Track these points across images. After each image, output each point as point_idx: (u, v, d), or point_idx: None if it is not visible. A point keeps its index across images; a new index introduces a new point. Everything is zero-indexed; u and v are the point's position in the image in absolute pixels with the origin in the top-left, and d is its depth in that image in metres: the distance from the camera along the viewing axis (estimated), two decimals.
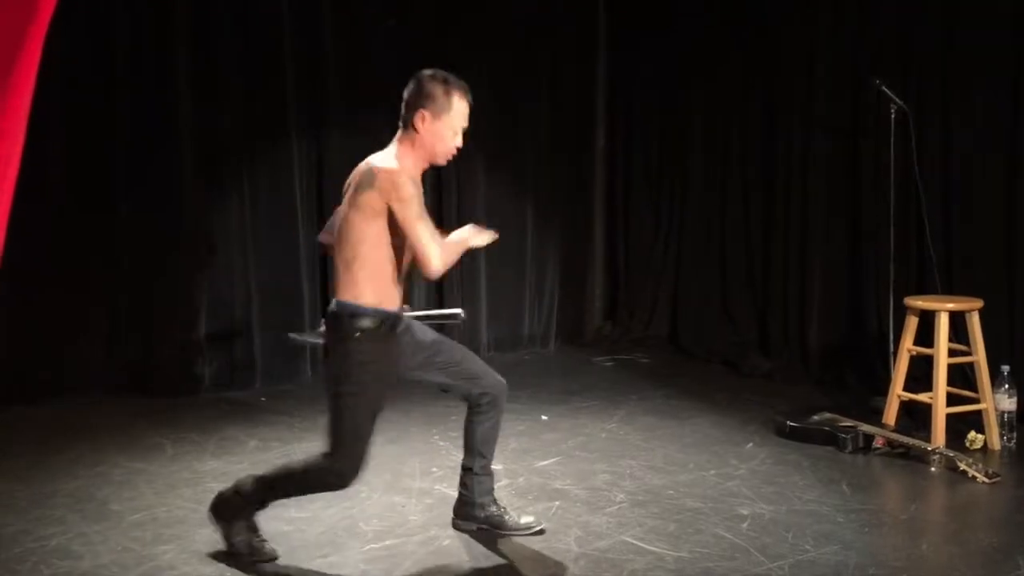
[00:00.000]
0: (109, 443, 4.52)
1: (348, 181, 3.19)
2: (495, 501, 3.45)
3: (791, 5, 6.00)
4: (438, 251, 2.99)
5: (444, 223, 5.03)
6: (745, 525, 3.53)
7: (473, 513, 3.44)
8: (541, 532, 3.43)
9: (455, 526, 3.49)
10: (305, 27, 5.80)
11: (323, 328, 3.26)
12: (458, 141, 3.16)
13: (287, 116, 5.76)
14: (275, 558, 3.21)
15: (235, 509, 3.20)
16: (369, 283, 3.04)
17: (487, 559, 3.28)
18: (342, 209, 3.15)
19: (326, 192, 5.90)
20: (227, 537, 3.21)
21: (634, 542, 3.38)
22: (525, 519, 3.48)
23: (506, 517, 3.43)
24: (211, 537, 3.42)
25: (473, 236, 3.16)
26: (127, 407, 5.16)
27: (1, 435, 4.56)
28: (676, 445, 4.53)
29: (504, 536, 3.41)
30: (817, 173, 5.87)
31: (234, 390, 5.55)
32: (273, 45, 5.69)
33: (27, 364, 5.18)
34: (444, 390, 3.43)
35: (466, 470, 3.43)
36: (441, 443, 4.56)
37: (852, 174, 5.70)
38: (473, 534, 3.45)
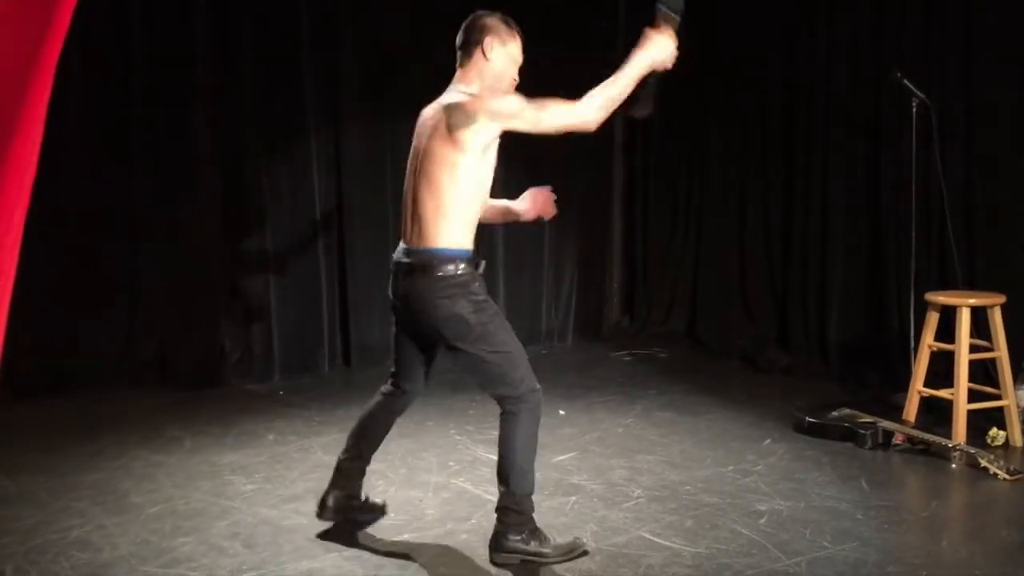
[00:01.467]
0: (129, 436, 4.55)
1: (421, 122, 3.13)
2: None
3: None
4: (594, 100, 3.05)
5: None
6: (763, 521, 3.51)
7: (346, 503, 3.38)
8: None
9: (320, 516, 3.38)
10: (323, 21, 5.80)
11: None
12: (516, 73, 3.16)
13: (305, 110, 5.77)
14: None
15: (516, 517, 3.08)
16: (459, 228, 2.99)
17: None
18: (422, 145, 3.05)
19: (344, 185, 5.92)
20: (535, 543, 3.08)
21: (651, 537, 3.37)
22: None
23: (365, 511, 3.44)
24: (229, 529, 3.44)
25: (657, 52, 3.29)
26: (147, 400, 5.20)
27: (23, 427, 4.59)
28: (693, 440, 4.52)
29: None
30: (838, 167, 5.83)
31: (252, 383, 5.59)
32: (291, 39, 5.70)
33: (48, 357, 5.22)
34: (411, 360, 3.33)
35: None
36: (458, 437, 4.56)
37: (873, 167, 5.65)
38: (489, 529, 3.45)
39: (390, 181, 5.88)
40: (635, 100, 3.19)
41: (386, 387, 3.35)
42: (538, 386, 3.10)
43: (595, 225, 7.11)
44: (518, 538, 3.06)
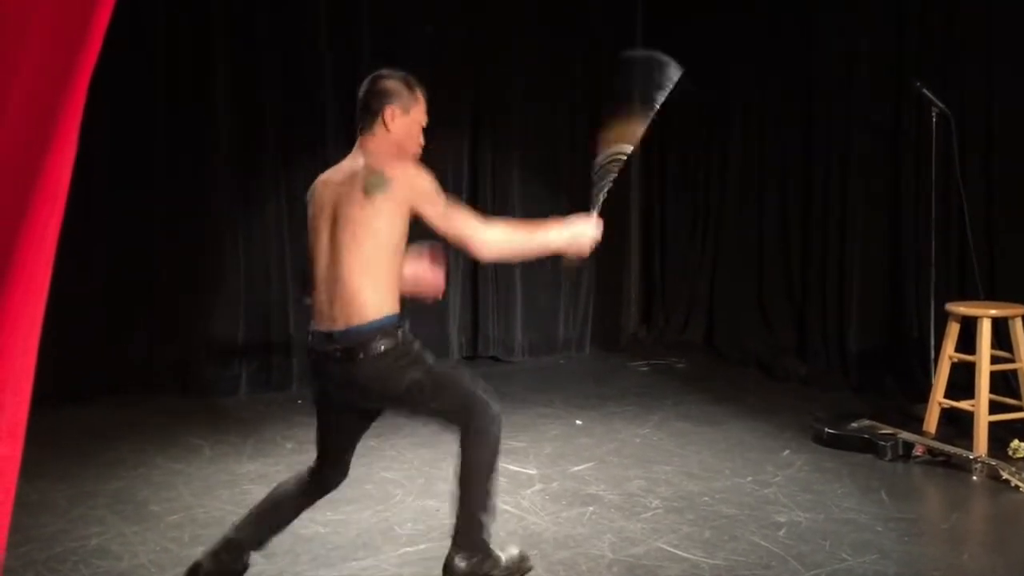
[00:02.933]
0: (149, 444, 4.58)
1: (316, 193, 2.95)
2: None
3: (832, 3, 5.93)
4: (495, 235, 2.84)
5: None
6: (782, 533, 3.49)
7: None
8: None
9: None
10: (341, 33, 5.84)
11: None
12: (421, 139, 3.00)
13: (324, 121, 5.80)
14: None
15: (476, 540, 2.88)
16: (386, 295, 2.80)
17: None
18: (330, 214, 2.85)
19: None
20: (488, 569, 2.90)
21: (669, 549, 3.35)
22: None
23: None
24: None
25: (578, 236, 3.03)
26: (167, 408, 5.23)
27: (43, 436, 4.62)
28: (711, 451, 4.50)
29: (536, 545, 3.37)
30: (857, 176, 5.80)
31: (271, 392, 5.61)
32: (310, 47, 5.74)
33: (69, 366, 5.25)
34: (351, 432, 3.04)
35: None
36: None
37: (893, 177, 5.62)
38: (506, 539, 3.44)
39: None
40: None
41: (309, 475, 3.01)
42: (494, 409, 2.87)
43: (613, 234, 7.04)
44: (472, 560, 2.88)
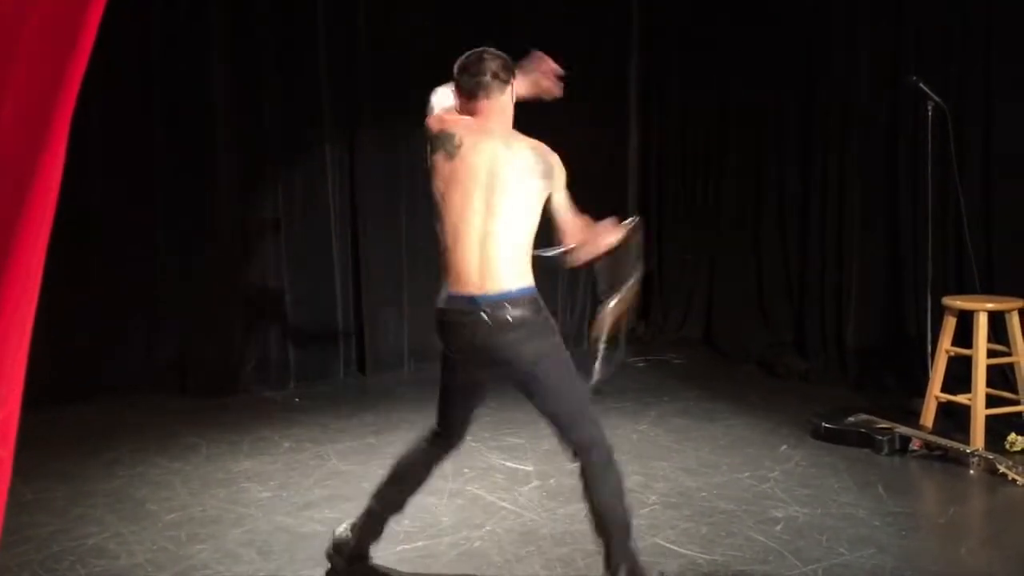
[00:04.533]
0: (146, 443, 4.58)
1: (467, 150, 2.91)
2: None
3: (829, 2, 5.93)
4: (583, 244, 3.05)
5: None
6: (779, 528, 3.50)
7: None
8: None
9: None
10: (339, 29, 5.83)
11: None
12: None
13: (321, 120, 5.79)
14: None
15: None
16: (528, 266, 2.93)
17: (518, 561, 3.28)
18: (485, 183, 2.87)
19: (359, 194, 5.94)
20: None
21: (666, 544, 3.36)
22: None
23: None
24: (245, 537, 3.45)
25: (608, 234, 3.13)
26: (164, 407, 5.23)
27: (41, 435, 4.62)
28: (709, 447, 4.50)
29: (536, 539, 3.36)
30: (854, 171, 5.79)
31: (268, 391, 5.60)
32: (308, 46, 5.73)
33: (67, 365, 5.25)
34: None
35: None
36: (473, 444, 4.54)
37: (890, 172, 5.62)
38: (503, 536, 3.44)
39: (405, 190, 5.90)
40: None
41: (430, 439, 3.13)
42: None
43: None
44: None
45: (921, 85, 4.91)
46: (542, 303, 2.91)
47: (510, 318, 2.80)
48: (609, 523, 2.87)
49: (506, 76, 2.99)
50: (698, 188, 6.88)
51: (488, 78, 2.95)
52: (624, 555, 2.87)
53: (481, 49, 3.02)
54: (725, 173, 6.68)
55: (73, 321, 5.24)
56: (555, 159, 2.99)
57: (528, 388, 2.91)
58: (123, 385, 5.45)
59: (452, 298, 2.85)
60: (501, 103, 2.99)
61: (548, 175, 2.95)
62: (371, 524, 3.14)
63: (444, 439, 3.10)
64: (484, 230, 2.84)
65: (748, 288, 6.53)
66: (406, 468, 3.13)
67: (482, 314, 2.79)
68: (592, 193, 7.46)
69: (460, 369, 2.97)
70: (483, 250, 2.84)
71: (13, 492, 1.25)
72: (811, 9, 6.04)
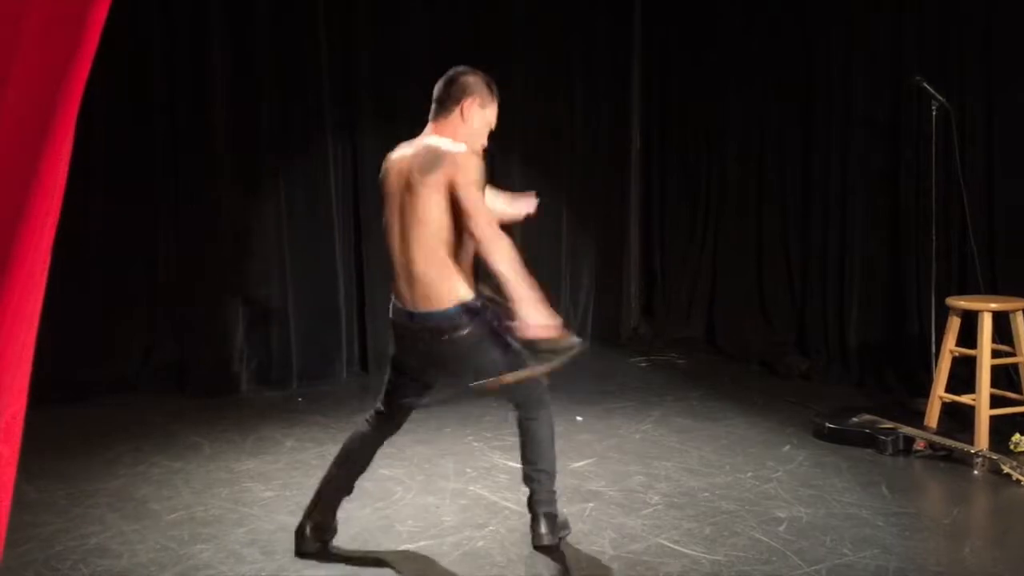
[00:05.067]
0: (148, 442, 4.57)
1: (387, 177, 3.12)
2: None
3: (830, 2, 5.92)
4: (506, 246, 2.95)
5: None
6: (782, 528, 3.49)
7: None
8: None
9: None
10: (339, 26, 5.83)
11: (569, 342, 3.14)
12: (486, 140, 3.19)
13: (323, 120, 5.79)
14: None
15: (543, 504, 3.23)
16: (457, 276, 3.02)
17: (520, 561, 3.27)
18: (399, 200, 3.05)
19: (362, 193, 5.93)
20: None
21: (669, 545, 3.35)
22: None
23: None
24: (247, 536, 3.45)
25: (510, 207, 3.20)
26: (166, 407, 5.22)
27: (43, 435, 4.62)
28: (712, 447, 4.49)
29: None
30: (857, 171, 5.79)
31: (271, 390, 5.60)
32: (308, 45, 5.73)
33: (68, 365, 5.25)
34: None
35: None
36: (475, 444, 4.56)
37: (893, 172, 5.61)
38: (506, 536, 3.44)
39: None
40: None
41: (372, 418, 3.35)
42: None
43: (613, 230, 7.10)
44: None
45: (924, 85, 4.91)
46: (476, 315, 3.02)
47: (446, 336, 3.03)
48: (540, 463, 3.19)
49: (459, 94, 3.07)
50: (700, 188, 6.87)
51: (434, 101, 3.13)
52: (550, 503, 3.22)
53: (453, 70, 3.15)
54: (727, 173, 6.67)
55: (74, 320, 5.24)
56: (451, 151, 2.96)
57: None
58: (124, 384, 5.45)
59: (394, 308, 3.18)
60: (449, 123, 3.09)
61: (439, 169, 2.94)
62: (323, 510, 3.28)
63: (382, 417, 3.35)
64: (402, 254, 3.07)
65: (750, 288, 6.52)
66: (351, 448, 3.36)
67: (420, 329, 3.06)
68: (595, 194, 7.53)
69: (403, 370, 3.28)
70: (406, 273, 3.07)
71: (15, 491, 1.25)
72: (812, 8, 6.03)
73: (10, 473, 1.16)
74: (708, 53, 6.70)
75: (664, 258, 7.12)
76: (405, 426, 4.80)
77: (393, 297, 3.16)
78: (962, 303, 4.55)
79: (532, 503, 3.24)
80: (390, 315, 3.20)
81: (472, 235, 2.97)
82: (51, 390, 5.10)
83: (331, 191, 5.84)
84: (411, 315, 3.07)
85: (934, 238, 4.99)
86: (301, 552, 3.26)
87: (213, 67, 5.50)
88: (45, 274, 1.15)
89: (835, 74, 5.89)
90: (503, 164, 6.47)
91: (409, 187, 3.00)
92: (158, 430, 4.78)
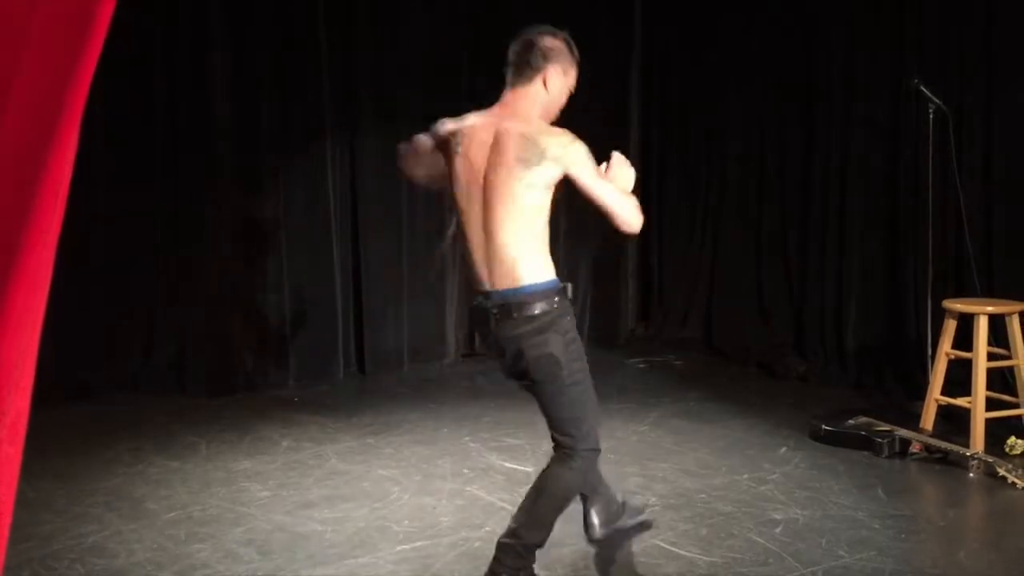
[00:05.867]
0: (145, 442, 4.57)
1: (466, 149, 2.82)
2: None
3: (830, 3, 5.93)
4: (634, 203, 2.82)
5: None
6: (778, 530, 3.50)
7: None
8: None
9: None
10: (339, 26, 5.83)
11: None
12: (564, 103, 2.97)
13: (322, 119, 5.79)
14: None
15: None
16: (543, 257, 2.82)
17: None
18: (478, 185, 2.79)
19: (360, 194, 5.94)
20: None
21: (666, 546, 3.36)
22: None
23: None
24: (244, 536, 3.45)
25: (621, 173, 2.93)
26: (164, 406, 5.22)
27: (41, 434, 4.60)
28: (709, 448, 4.50)
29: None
30: (855, 173, 5.80)
31: (268, 390, 5.60)
32: (308, 45, 5.73)
33: (68, 364, 5.25)
34: None
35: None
36: (472, 444, 4.56)
37: (890, 174, 5.62)
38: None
39: (405, 191, 5.89)
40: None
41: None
42: (599, 447, 2.91)
43: (610, 231, 7.08)
44: None
45: (922, 88, 4.91)
46: (559, 300, 2.81)
47: (516, 313, 2.75)
48: (533, 514, 2.84)
49: (539, 62, 2.83)
50: (698, 189, 6.88)
51: (511, 65, 2.87)
52: (527, 550, 2.85)
53: (530, 29, 2.92)
54: (726, 173, 6.68)
55: (74, 320, 5.23)
56: (552, 141, 2.76)
57: (532, 387, 2.86)
58: (122, 384, 5.45)
59: (476, 295, 2.87)
60: (528, 92, 2.85)
61: (539, 160, 2.73)
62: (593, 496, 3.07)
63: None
64: (487, 235, 2.78)
65: (748, 289, 6.53)
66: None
67: (493, 307, 2.78)
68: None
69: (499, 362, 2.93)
70: (488, 254, 2.79)
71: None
72: (813, 8, 6.04)
73: (14, 471, 1.16)
74: (708, 53, 6.70)
75: (662, 259, 7.12)
76: (403, 427, 4.85)
77: (475, 285, 2.88)
78: (958, 306, 4.56)
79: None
80: (473, 304, 2.94)
81: (606, 214, 2.86)
82: (51, 389, 5.10)
83: (330, 192, 5.84)
84: (488, 295, 2.80)
85: (931, 241, 5.00)
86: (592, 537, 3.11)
87: (213, 67, 5.50)
88: (50, 274, 1.16)
89: (835, 74, 5.89)
90: None
91: (502, 172, 2.76)
92: (156, 430, 4.78)
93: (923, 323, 5.01)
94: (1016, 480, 3.89)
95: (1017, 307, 4.47)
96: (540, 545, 2.88)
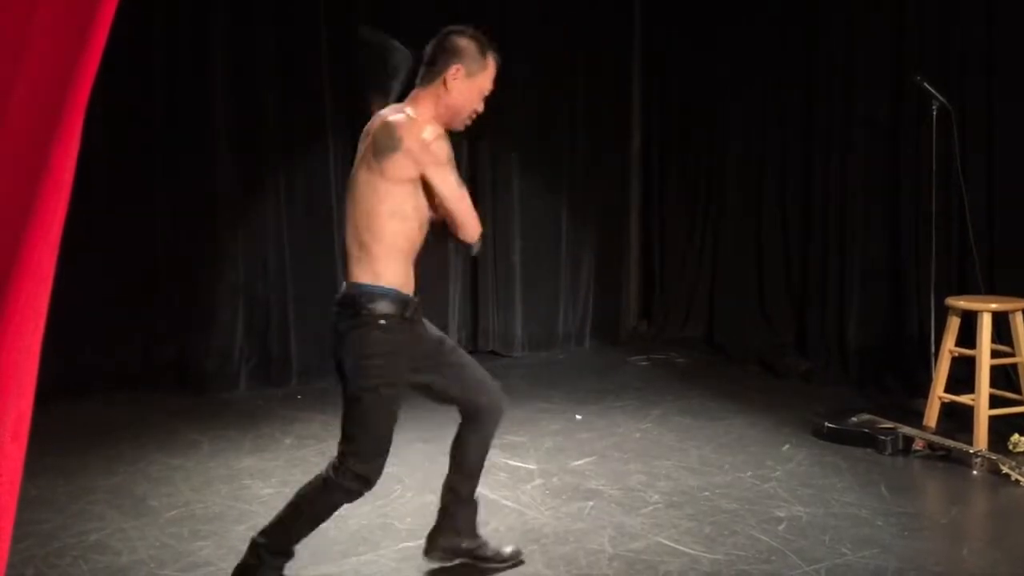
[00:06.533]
0: (148, 440, 4.57)
1: (361, 139, 2.82)
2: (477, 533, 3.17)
3: (830, 2, 5.92)
4: (475, 217, 2.75)
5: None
6: (781, 527, 3.49)
7: (457, 544, 3.15)
8: (520, 562, 3.20)
9: (428, 554, 3.16)
10: (339, 21, 5.82)
11: None
12: (481, 106, 2.86)
13: (323, 116, 5.78)
14: None
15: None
16: (388, 261, 2.71)
17: (520, 559, 3.27)
18: (354, 174, 2.77)
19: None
20: None
21: (669, 543, 3.35)
22: (506, 550, 3.21)
23: (488, 550, 3.17)
24: (247, 533, 3.45)
25: None
26: (165, 404, 5.23)
27: (42, 432, 4.59)
28: (711, 446, 4.50)
29: (490, 567, 3.19)
30: (857, 171, 5.79)
31: (270, 387, 5.60)
32: (309, 41, 5.72)
33: (68, 362, 5.25)
34: (437, 399, 3.05)
35: (453, 492, 3.10)
36: None
37: (892, 171, 5.61)
38: (506, 534, 3.44)
39: None
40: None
41: (464, 426, 3.11)
42: (372, 479, 2.84)
43: (612, 229, 7.10)
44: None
45: (925, 84, 4.90)
46: (383, 310, 2.71)
47: (339, 313, 2.76)
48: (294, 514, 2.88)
49: (442, 62, 2.78)
50: (700, 187, 6.88)
51: (424, 64, 2.85)
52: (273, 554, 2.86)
53: (443, 30, 2.89)
54: (726, 172, 6.67)
55: (74, 317, 5.23)
56: (411, 134, 2.65)
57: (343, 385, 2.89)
58: (124, 381, 5.45)
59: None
60: (431, 91, 2.79)
61: (398, 151, 2.64)
62: (450, 519, 3.13)
63: (462, 413, 3.08)
64: (349, 218, 2.76)
65: (750, 287, 6.52)
66: (460, 450, 3.12)
67: (335, 303, 2.79)
68: (595, 192, 7.52)
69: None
70: (345, 242, 2.80)
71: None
72: (813, 8, 6.03)
73: (17, 469, 1.16)
74: (708, 53, 6.69)
75: (664, 257, 7.12)
76: (405, 425, 4.81)
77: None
78: (962, 303, 4.55)
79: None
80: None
81: (448, 218, 2.75)
82: (52, 387, 5.10)
83: (331, 190, 5.84)
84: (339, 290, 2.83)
85: (934, 238, 4.99)
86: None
87: (213, 67, 5.50)
88: (52, 272, 1.15)
89: (836, 74, 5.88)
90: (503, 164, 6.48)
91: (361, 161, 2.73)
92: (158, 427, 4.78)
93: (926, 320, 5.00)
94: (1020, 477, 3.88)
95: (1021, 304, 4.47)
96: (285, 553, 2.89)
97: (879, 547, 3.31)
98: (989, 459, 4.06)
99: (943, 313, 4.67)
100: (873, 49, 5.67)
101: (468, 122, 2.89)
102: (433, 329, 3.02)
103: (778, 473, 4.09)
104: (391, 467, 4.02)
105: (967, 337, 4.53)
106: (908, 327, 5.49)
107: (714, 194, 6.78)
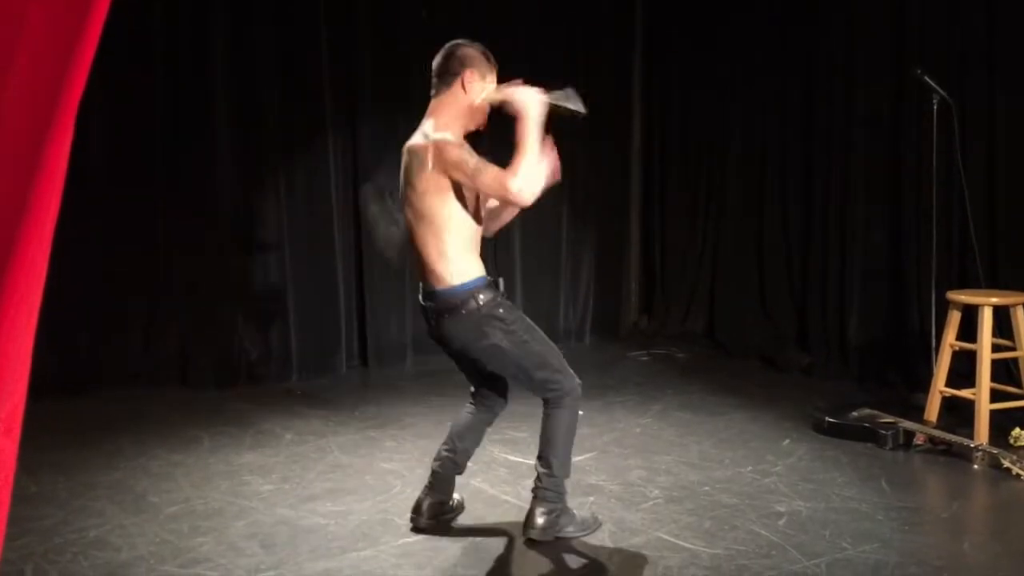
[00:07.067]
0: (148, 435, 4.57)
1: (403, 163, 3.19)
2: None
3: (831, 1, 5.90)
4: (517, 178, 2.98)
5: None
6: (782, 522, 3.49)
7: (445, 502, 3.48)
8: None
9: (421, 523, 3.43)
10: (340, 21, 5.81)
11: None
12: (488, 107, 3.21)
13: (323, 113, 5.78)
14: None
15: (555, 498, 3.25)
16: (466, 256, 3.11)
17: (520, 554, 3.27)
18: (407, 194, 3.15)
19: (361, 190, 5.93)
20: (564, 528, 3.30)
21: (669, 539, 3.35)
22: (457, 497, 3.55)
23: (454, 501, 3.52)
24: (247, 529, 3.45)
25: (522, 97, 3.11)
26: (165, 400, 5.23)
27: (42, 428, 4.62)
28: (712, 441, 4.49)
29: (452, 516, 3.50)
30: (857, 165, 5.78)
31: (271, 383, 5.60)
32: (309, 41, 5.72)
33: (68, 357, 5.25)
34: (472, 368, 3.38)
35: (456, 466, 3.51)
36: None
37: (893, 166, 5.60)
38: (507, 530, 3.44)
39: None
40: (567, 111, 3.29)
41: (469, 404, 3.49)
42: (577, 380, 3.27)
43: (613, 224, 7.09)
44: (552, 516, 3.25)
45: (926, 78, 4.89)
46: (487, 300, 3.10)
47: (447, 314, 3.12)
48: (551, 455, 3.23)
49: (457, 67, 3.10)
50: (701, 183, 6.87)
51: (434, 76, 3.16)
52: (554, 489, 3.25)
53: (449, 43, 3.19)
54: (727, 168, 6.67)
55: (74, 313, 5.23)
56: (429, 147, 3.03)
57: (490, 367, 3.28)
58: (124, 377, 5.45)
59: (421, 290, 3.24)
60: (450, 97, 3.13)
61: (426, 168, 3.02)
62: (438, 484, 3.45)
63: (479, 402, 3.47)
64: (414, 238, 3.14)
65: (751, 283, 6.52)
66: (460, 432, 3.47)
67: (429, 308, 3.16)
68: (597, 189, 7.51)
69: (445, 351, 3.33)
70: (417, 256, 3.16)
71: (15, 484, 1.24)
72: (813, 7, 6.02)
73: (10, 467, 1.16)
74: (709, 52, 6.68)
75: (664, 253, 7.12)
76: (405, 420, 4.84)
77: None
78: (962, 297, 4.55)
79: (532, 492, 3.32)
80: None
81: (499, 199, 3.09)
82: (51, 382, 5.10)
83: (331, 187, 5.84)
84: (427, 295, 3.18)
85: (934, 232, 4.98)
86: (416, 528, 3.41)
87: (213, 66, 5.49)
88: (46, 267, 1.15)
89: (836, 69, 5.87)
90: (503, 159, 6.46)
91: (411, 178, 3.11)
92: (158, 423, 4.78)
93: (927, 315, 5.00)
94: (1020, 472, 3.88)
95: (1021, 298, 4.46)
96: (568, 476, 3.31)
97: (880, 541, 3.31)
98: (990, 453, 4.05)
99: (944, 307, 4.66)
100: (873, 47, 5.66)
101: (485, 121, 3.22)
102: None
103: (778, 468, 4.09)
104: (391, 463, 4.04)
105: (968, 331, 4.53)
106: (909, 322, 5.48)
107: (715, 192, 6.77)
